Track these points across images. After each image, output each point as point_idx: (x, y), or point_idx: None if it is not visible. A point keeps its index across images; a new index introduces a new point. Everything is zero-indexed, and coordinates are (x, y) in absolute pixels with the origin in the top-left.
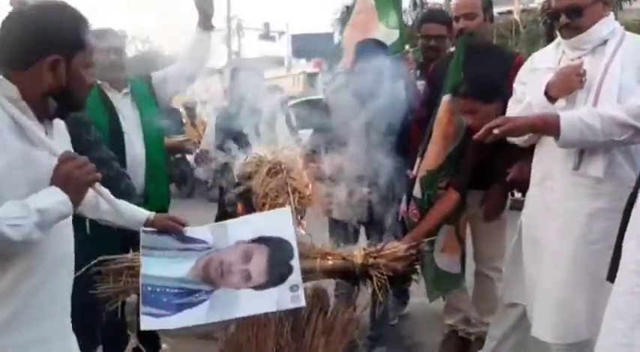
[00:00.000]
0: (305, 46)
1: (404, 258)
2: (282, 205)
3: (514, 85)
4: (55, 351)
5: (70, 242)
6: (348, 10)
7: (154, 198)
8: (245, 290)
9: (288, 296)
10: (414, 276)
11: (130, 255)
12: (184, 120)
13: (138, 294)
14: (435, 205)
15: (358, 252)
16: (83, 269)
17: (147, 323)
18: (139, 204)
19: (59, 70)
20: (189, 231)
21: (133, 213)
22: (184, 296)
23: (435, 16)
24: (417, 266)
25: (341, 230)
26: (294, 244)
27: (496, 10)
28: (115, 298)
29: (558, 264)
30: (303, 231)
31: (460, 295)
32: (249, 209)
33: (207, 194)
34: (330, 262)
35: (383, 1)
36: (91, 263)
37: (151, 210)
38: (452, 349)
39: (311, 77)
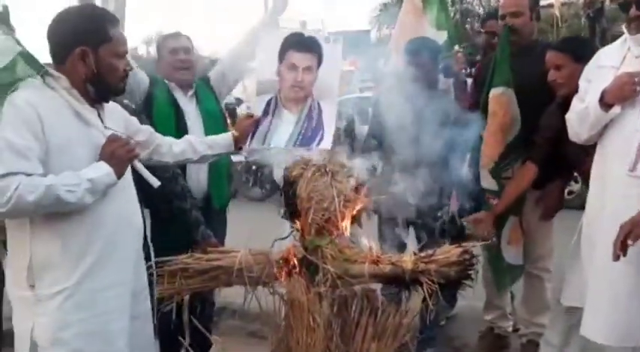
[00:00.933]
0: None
1: (457, 263)
2: (327, 209)
3: (579, 82)
4: (128, 289)
5: (132, 204)
6: (386, 7)
7: (216, 199)
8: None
9: (329, 46)
10: (468, 282)
11: (183, 256)
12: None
13: (191, 295)
14: (513, 180)
15: (408, 257)
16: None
17: (327, 142)
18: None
19: (88, 60)
20: (258, 109)
21: (214, 140)
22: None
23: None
24: (471, 272)
25: (390, 228)
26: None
27: None
28: (169, 299)
29: (612, 263)
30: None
31: (500, 292)
32: (294, 212)
33: (250, 194)
34: (379, 267)
35: (430, 2)
36: (148, 263)
37: (213, 209)
38: (489, 346)
39: (346, 75)
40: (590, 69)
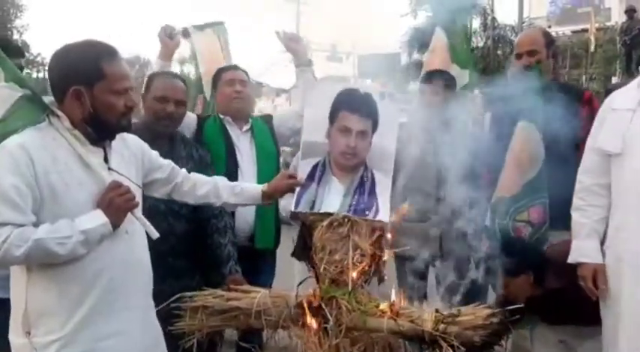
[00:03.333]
0: (370, 66)
1: (482, 326)
2: (340, 262)
3: (592, 130)
4: (136, 342)
5: (141, 249)
6: (416, 32)
7: (260, 238)
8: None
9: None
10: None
11: (205, 293)
12: None
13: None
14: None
15: (429, 315)
16: (162, 306)
17: (384, 215)
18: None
19: (83, 100)
20: (302, 173)
21: (243, 189)
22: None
23: None
24: (498, 337)
25: (409, 268)
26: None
27: (570, 28)
28: (190, 335)
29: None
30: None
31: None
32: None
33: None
34: (397, 323)
35: (457, 41)
36: (170, 299)
37: (256, 249)
38: None
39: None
40: (603, 111)
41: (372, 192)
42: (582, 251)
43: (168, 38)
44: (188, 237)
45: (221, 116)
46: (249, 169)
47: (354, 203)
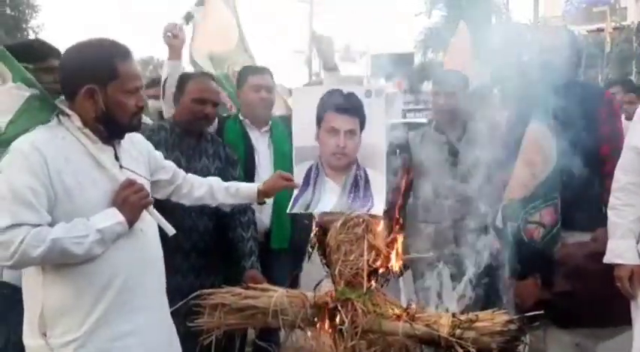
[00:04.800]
0: (384, 66)
1: (500, 333)
2: (354, 263)
3: (630, 128)
4: (151, 341)
5: (155, 247)
6: (431, 31)
7: (276, 237)
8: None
9: (371, 101)
10: None
11: (223, 290)
12: None
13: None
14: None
15: (446, 319)
16: (181, 303)
17: (379, 209)
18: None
19: (96, 98)
20: (297, 178)
21: (238, 189)
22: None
23: None
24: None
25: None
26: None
27: (585, 27)
28: (208, 332)
29: None
30: None
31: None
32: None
33: None
34: (413, 327)
35: (479, 38)
36: (189, 296)
37: (272, 249)
38: None
39: (389, 97)
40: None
41: (367, 189)
42: (617, 251)
43: (174, 37)
44: (210, 235)
45: (241, 117)
46: (266, 170)
47: (350, 201)
